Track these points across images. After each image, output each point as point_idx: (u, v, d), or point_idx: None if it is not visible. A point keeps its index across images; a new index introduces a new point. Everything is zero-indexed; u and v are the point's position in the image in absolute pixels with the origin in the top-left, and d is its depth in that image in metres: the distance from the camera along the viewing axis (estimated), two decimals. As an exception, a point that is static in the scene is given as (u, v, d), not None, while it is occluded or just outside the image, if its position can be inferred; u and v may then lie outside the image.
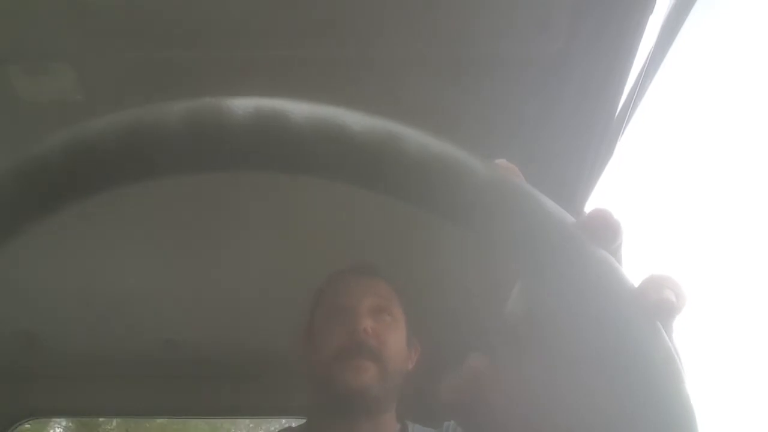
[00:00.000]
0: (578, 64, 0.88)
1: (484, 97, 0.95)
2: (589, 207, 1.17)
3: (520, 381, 0.33)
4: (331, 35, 0.87)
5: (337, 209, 1.17)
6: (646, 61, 0.90)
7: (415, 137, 0.26)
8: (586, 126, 0.97)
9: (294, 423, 1.19)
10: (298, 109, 0.25)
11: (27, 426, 1.87)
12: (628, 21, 0.81)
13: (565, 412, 0.32)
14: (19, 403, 1.75)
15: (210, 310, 1.52)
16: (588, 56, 0.87)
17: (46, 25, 0.85)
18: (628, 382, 0.26)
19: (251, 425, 7.28)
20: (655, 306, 0.26)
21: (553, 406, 0.32)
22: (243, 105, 0.25)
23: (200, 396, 1.75)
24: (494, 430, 0.33)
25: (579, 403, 0.31)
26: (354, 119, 0.25)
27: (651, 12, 0.80)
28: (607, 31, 0.83)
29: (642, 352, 0.26)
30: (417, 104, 0.79)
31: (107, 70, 0.92)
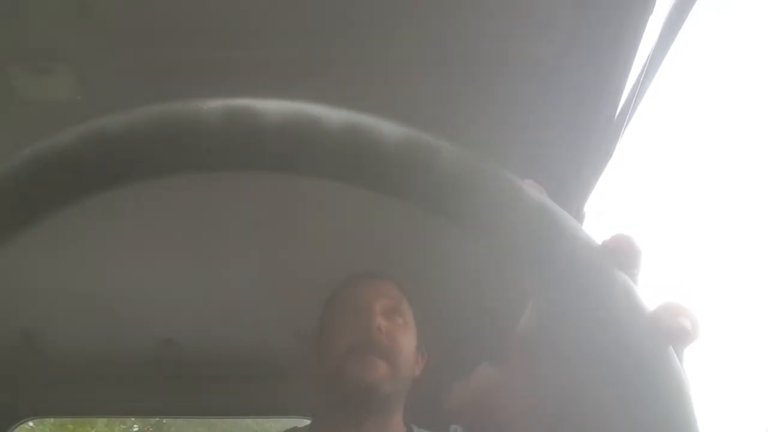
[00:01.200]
0: (578, 64, 0.88)
1: (483, 96, 0.95)
2: (588, 207, 1.18)
3: (529, 395, 0.33)
4: (331, 35, 0.87)
5: (338, 209, 1.17)
6: (646, 61, 0.90)
7: (448, 150, 0.26)
8: (586, 126, 0.97)
9: (299, 424, 1.19)
10: (333, 115, 0.26)
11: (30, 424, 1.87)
12: (628, 21, 0.81)
13: (573, 430, 0.32)
14: (19, 403, 1.75)
15: (210, 310, 1.52)
16: (588, 56, 0.87)
17: (46, 25, 0.85)
18: (638, 405, 0.27)
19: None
20: (670, 333, 0.27)
21: (561, 422, 0.32)
22: (275, 108, 0.26)
23: (200, 396, 1.75)
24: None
25: (587, 421, 0.32)
26: (389, 129, 0.26)
27: (651, 12, 0.80)
28: (607, 31, 0.84)
29: (654, 378, 0.26)
30: (417, 104, 0.79)
31: (107, 70, 0.92)
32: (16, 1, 0.83)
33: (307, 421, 1.17)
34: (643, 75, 0.90)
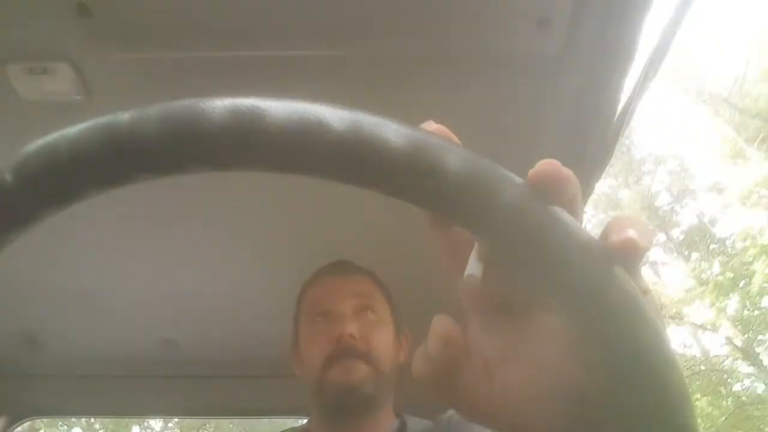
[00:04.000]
0: (578, 64, 0.88)
1: (483, 96, 0.95)
2: (589, 207, 1.17)
3: (495, 346, 0.32)
4: (331, 35, 0.87)
5: (337, 209, 1.17)
6: (647, 61, 0.89)
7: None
8: (586, 126, 0.97)
9: (297, 424, 1.20)
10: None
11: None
12: (628, 21, 0.81)
13: (544, 373, 0.30)
14: (19, 403, 1.74)
15: (210, 310, 1.52)
16: (588, 56, 0.87)
17: (46, 25, 0.85)
18: (595, 332, 0.25)
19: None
20: (618, 248, 0.25)
21: (535, 364, 0.31)
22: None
23: (200, 396, 1.75)
24: (478, 400, 0.32)
25: (556, 361, 0.30)
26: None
27: (651, 12, 0.80)
28: (608, 31, 0.83)
29: (606, 301, 0.25)
30: (417, 104, 0.79)
31: (107, 70, 0.92)
32: (16, 1, 0.83)
33: (304, 421, 1.18)
34: (643, 75, 0.90)
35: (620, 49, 0.85)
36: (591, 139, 0.99)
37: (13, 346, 1.60)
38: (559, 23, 0.83)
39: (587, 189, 1.09)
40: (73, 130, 0.26)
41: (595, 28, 0.84)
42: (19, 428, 1.78)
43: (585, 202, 1.11)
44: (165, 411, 2.03)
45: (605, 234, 0.26)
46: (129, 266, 1.38)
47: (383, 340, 1.07)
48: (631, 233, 0.25)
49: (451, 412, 1.06)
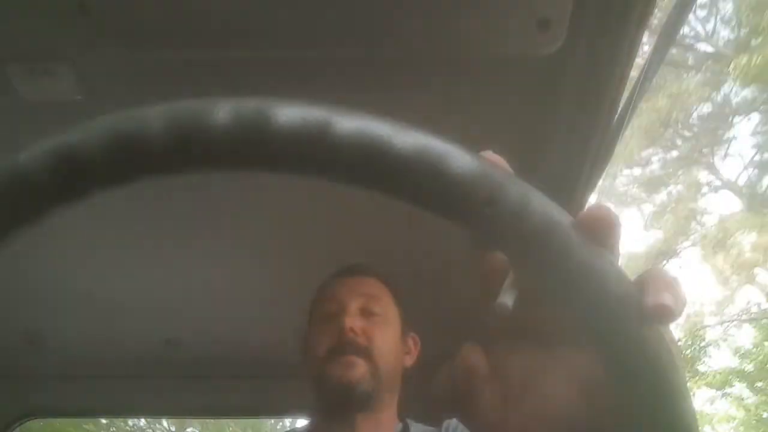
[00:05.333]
0: (578, 64, 0.88)
1: (483, 96, 0.95)
2: (589, 206, 1.17)
3: (516, 374, 0.33)
4: (331, 35, 0.87)
5: (338, 209, 1.17)
6: (646, 61, 0.90)
7: (404, 135, 0.26)
8: (586, 126, 0.97)
9: (298, 424, 1.20)
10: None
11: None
12: (628, 21, 0.81)
13: (563, 405, 0.31)
14: (19, 403, 1.75)
15: (210, 310, 1.52)
16: (588, 56, 0.87)
17: (46, 25, 0.85)
18: (621, 380, 0.26)
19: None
20: (653, 311, 0.26)
21: (550, 398, 0.32)
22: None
23: (200, 396, 1.75)
24: (492, 425, 0.33)
25: (576, 395, 0.31)
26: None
27: (651, 12, 0.80)
28: (607, 31, 0.84)
29: (637, 356, 0.26)
30: (417, 104, 0.79)
31: (107, 70, 0.92)
32: (17, 1, 0.83)
33: (306, 421, 1.18)
34: (643, 75, 0.90)
35: (620, 49, 0.85)
36: (591, 139, 0.99)
37: (14, 346, 1.60)
38: (559, 24, 0.83)
39: (587, 189, 1.09)
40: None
41: (595, 28, 0.84)
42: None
43: (586, 201, 1.11)
44: (165, 411, 2.04)
45: (642, 287, 0.27)
46: (130, 266, 1.39)
47: (386, 340, 1.08)
48: (667, 299, 0.26)
49: (453, 419, 1.07)
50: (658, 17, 0.82)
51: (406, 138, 0.26)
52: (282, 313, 1.25)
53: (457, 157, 0.26)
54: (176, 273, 1.41)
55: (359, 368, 1.03)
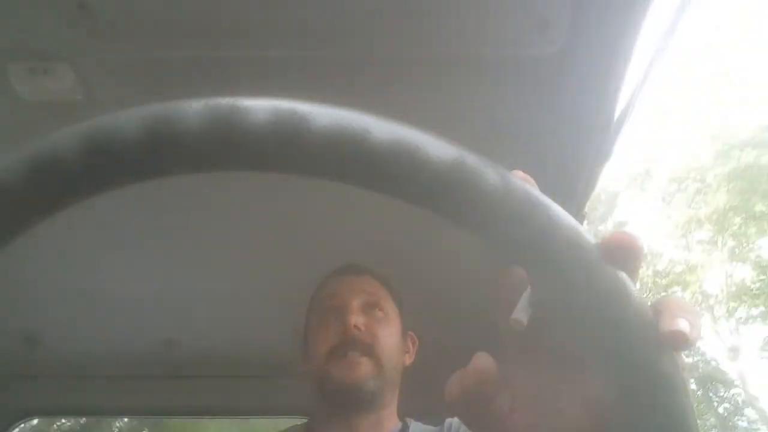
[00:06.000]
0: (578, 64, 0.88)
1: (483, 96, 0.95)
2: (588, 206, 1.17)
3: (525, 386, 0.33)
4: (331, 35, 0.87)
5: (337, 208, 1.17)
6: (647, 61, 0.89)
7: (435, 146, 0.26)
8: (586, 126, 0.97)
9: (298, 422, 1.20)
10: (321, 113, 0.26)
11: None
12: (628, 21, 0.81)
13: (570, 422, 0.32)
14: (19, 403, 1.75)
15: (210, 310, 1.52)
16: (588, 56, 0.87)
17: (46, 25, 0.85)
18: (632, 404, 0.27)
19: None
20: (669, 337, 0.26)
21: (558, 413, 0.32)
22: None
23: (200, 396, 1.75)
24: (498, 429, 0.33)
25: (583, 413, 0.32)
26: (377, 127, 0.26)
27: (651, 12, 0.80)
28: (607, 31, 0.83)
29: (650, 380, 0.26)
30: (417, 104, 0.79)
31: (107, 70, 0.92)
32: (17, 1, 0.83)
33: (303, 421, 1.18)
34: (643, 75, 0.90)
35: (620, 50, 0.85)
36: (591, 139, 0.99)
37: (13, 346, 1.60)
38: (559, 24, 0.83)
39: (587, 189, 1.09)
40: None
41: (595, 29, 0.84)
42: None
43: (586, 201, 1.11)
44: (165, 411, 2.03)
45: (658, 314, 0.27)
46: (129, 266, 1.39)
47: (389, 338, 1.07)
48: (683, 326, 0.27)
49: (455, 418, 1.06)
50: (657, 17, 0.82)
51: (440, 151, 0.26)
52: (282, 313, 1.25)
53: (489, 174, 0.26)
54: (176, 273, 1.41)
55: (364, 367, 1.02)
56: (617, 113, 0.94)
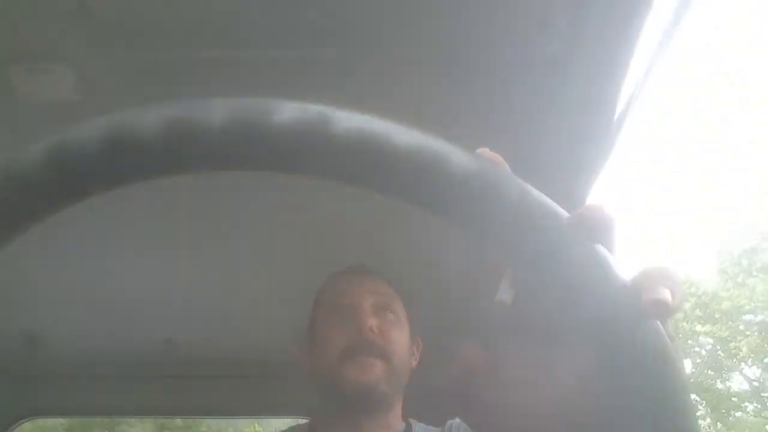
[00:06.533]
0: (578, 65, 0.88)
1: (484, 97, 0.95)
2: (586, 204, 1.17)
3: (513, 370, 0.34)
4: (330, 35, 0.87)
5: (337, 209, 1.17)
6: (647, 61, 0.89)
7: (401, 133, 0.26)
8: (586, 126, 0.97)
9: (301, 422, 1.19)
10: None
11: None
12: (628, 21, 0.81)
13: (558, 402, 0.32)
14: (19, 403, 1.75)
15: (210, 310, 1.52)
16: (588, 56, 0.87)
17: (46, 26, 0.85)
18: (620, 376, 0.26)
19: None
20: (650, 306, 0.26)
21: (547, 395, 0.32)
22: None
23: (200, 396, 1.75)
24: (493, 421, 0.33)
25: (571, 392, 0.32)
26: (340, 118, 0.26)
27: (651, 12, 0.80)
28: (607, 31, 0.84)
29: (634, 351, 0.26)
30: (417, 104, 0.79)
31: (107, 70, 0.92)
32: (16, 1, 0.83)
33: (305, 421, 1.17)
34: (643, 75, 0.90)
35: (620, 51, 0.85)
36: (591, 139, 0.99)
37: (13, 345, 1.60)
38: (560, 25, 0.83)
39: (587, 189, 1.09)
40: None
41: (596, 29, 0.84)
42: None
43: (585, 201, 1.11)
44: (165, 411, 2.04)
45: (639, 283, 0.27)
46: (129, 266, 1.39)
47: (401, 340, 1.07)
48: (664, 295, 0.26)
49: (456, 419, 1.06)
50: (658, 17, 0.82)
51: (403, 137, 0.26)
52: (282, 313, 1.25)
53: (455, 156, 0.26)
54: (176, 273, 1.41)
55: (377, 370, 1.01)
56: (617, 113, 0.94)
